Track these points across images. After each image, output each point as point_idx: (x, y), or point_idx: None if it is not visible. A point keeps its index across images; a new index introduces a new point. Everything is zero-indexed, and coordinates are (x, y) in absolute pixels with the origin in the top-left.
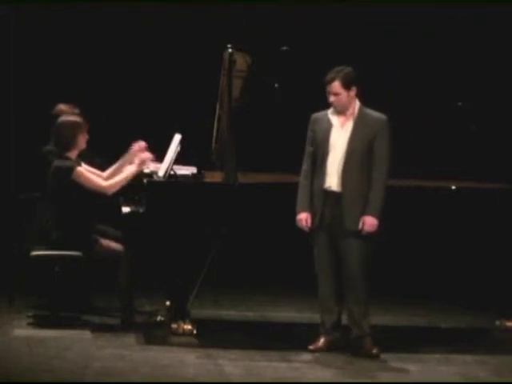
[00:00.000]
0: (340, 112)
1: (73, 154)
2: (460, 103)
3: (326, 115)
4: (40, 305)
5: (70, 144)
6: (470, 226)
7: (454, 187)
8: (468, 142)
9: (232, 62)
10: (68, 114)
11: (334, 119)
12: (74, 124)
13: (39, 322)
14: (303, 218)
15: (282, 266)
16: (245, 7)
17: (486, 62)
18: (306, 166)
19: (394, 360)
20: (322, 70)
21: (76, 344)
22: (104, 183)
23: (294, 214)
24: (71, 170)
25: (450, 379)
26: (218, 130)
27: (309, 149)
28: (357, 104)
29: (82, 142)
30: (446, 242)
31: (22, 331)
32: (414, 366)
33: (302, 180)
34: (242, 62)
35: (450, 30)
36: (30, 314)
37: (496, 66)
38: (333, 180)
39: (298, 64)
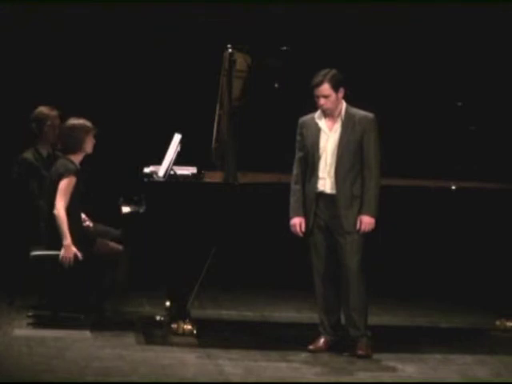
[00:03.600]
0: (328, 115)
1: (77, 158)
2: (460, 103)
3: (314, 119)
4: (40, 305)
5: (77, 147)
6: (470, 226)
7: (454, 187)
8: (468, 142)
9: (232, 62)
10: (53, 117)
11: (322, 123)
12: (84, 127)
13: (39, 322)
14: (297, 223)
15: (282, 266)
16: (245, 7)
17: (486, 62)
18: (296, 170)
19: (393, 360)
20: (322, 69)
21: (76, 344)
22: (61, 210)
23: None
24: (68, 173)
25: (450, 379)
26: (217, 130)
27: (298, 154)
28: (343, 105)
29: (89, 146)
30: (446, 242)
31: (22, 331)
32: (414, 365)
33: (293, 185)
34: (241, 62)
35: (450, 30)
36: (29, 313)
37: (496, 66)
38: (326, 183)
39: (297, 64)
